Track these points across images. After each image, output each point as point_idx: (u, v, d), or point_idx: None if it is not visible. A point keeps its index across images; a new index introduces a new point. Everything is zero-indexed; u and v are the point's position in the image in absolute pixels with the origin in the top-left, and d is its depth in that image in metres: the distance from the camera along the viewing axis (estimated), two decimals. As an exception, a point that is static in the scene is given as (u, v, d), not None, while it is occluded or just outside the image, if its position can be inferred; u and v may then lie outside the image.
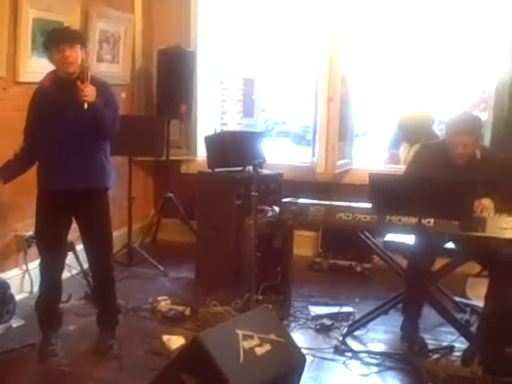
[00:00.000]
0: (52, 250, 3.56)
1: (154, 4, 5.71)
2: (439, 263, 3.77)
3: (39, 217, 3.54)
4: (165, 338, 3.71)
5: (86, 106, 3.27)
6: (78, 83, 3.28)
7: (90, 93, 3.28)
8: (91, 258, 3.69)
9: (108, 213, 3.64)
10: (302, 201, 3.74)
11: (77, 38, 3.42)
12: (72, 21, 4.58)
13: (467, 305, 4.29)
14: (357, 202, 3.62)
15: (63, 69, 3.36)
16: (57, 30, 3.60)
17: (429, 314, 3.88)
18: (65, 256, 3.75)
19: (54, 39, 3.37)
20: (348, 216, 3.56)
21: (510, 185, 3.53)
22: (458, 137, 3.58)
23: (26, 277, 4.41)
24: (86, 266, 3.99)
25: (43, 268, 3.60)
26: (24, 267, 4.39)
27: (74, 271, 4.46)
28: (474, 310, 4.19)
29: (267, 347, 2.92)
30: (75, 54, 3.35)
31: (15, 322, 3.92)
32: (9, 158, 3.51)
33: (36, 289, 4.37)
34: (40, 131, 3.44)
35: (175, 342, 3.65)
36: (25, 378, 3.35)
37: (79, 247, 3.72)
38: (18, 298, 4.12)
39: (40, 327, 3.66)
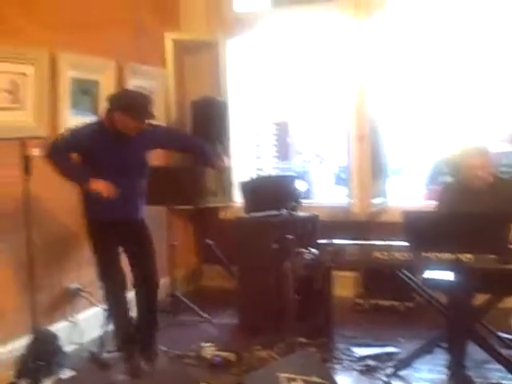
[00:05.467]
0: (117, 278, 3.88)
1: (185, 57, 5.90)
2: (482, 298, 3.74)
3: (103, 250, 3.82)
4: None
5: None
6: None
7: None
8: (142, 275, 3.99)
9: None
10: (337, 241, 3.78)
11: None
12: (107, 78, 4.79)
13: (513, 340, 4.21)
14: (394, 240, 3.62)
15: (128, 133, 3.72)
16: (144, 105, 3.78)
17: (475, 351, 3.80)
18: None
19: (142, 115, 3.69)
20: (384, 254, 3.58)
21: None
22: (476, 159, 3.73)
23: (76, 328, 4.48)
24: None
25: (114, 297, 3.91)
26: (72, 319, 4.48)
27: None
28: (520, 344, 4.11)
29: (310, 390, 2.93)
30: None
31: (64, 374, 3.99)
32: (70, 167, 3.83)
33: (86, 340, 4.48)
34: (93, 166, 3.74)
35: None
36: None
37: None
38: (67, 349, 4.21)
39: (124, 347, 3.96)
